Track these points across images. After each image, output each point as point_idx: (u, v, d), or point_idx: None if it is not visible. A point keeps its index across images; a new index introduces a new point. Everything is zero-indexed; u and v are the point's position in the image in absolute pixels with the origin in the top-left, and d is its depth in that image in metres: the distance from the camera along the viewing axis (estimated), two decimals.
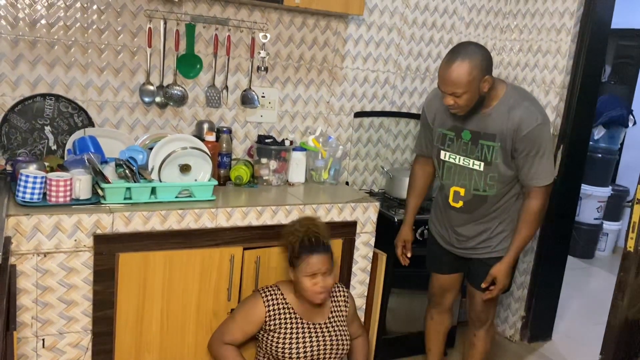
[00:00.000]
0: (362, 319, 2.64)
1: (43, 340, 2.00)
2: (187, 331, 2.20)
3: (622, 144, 5.04)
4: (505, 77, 3.20)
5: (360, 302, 2.62)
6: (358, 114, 2.97)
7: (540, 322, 3.24)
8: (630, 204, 1.99)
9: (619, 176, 5.21)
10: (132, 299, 2.08)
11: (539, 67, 3.02)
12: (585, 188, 4.81)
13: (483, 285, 2.18)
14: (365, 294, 2.63)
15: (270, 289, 2.15)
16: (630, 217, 1.93)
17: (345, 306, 2.25)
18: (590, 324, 3.47)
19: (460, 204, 2.19)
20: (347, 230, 2.47)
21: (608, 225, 4.98)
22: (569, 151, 3.00)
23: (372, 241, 2.57)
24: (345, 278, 2.53)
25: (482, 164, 2.10)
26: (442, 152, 2.21)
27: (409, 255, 2.42)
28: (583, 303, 3.86)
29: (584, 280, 4.40)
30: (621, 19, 4.17)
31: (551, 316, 3.32)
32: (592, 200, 4.83)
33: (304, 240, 2.08)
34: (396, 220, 2.67)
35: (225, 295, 2.24)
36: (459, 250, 2.28)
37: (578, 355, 3.10)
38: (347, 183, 3.00)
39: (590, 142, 4.78)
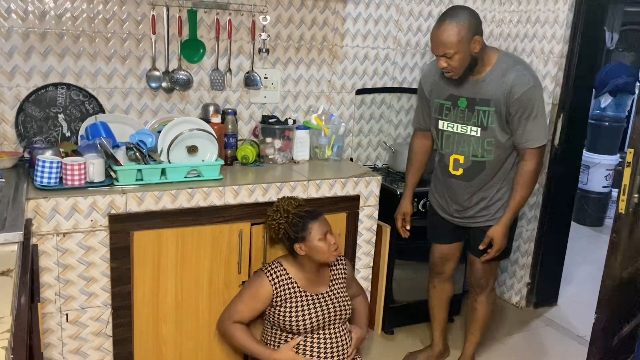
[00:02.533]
0: (369, 289, 2.75)
1: (67, 314, 2.14)
2: (200, 303, 2.33)
3: (630, 112, 5.03)
4: (505, 48, 3.24)
5: (367, 273, 2.73)
6: (360, 91, 3.04)
7: (545, 288, 3.32)
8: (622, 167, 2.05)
9: (627, 144, 5.21)
10: (148, 274, 2.21)
11: (538, 37, 3.05)
12: (593, 156, 4.84)
13: (481, 247, 2.26)
14: (371, 264, 2.73)
15: (273, 265, 2.24)
16: (615, 180, 2.00)
17: (344, 272, 2.35)
18: (596, 290, 3.52)
19: (460, 171, 2.27)
20: (350, 204, 2.56)
21: (617, 193, 4.99)
22: (570, 119, 3.05)
23: (376, 214, 2.66)
24: (350, 250, 2.63)
25: (479, 129, 2.18)
26: (440, 122, 2.29)
27: (407, 227, 2.51)
28: (591, 270, 3.91)
29: (593, 247, 4.45)
30: None
31: (556, 282, 3.39)
32: (600, 169, 4.84)
33: (299, 213, 2.17)
34: (399, 193, 2.75)
35: (235, 268, 2.35)
36: (458, 219, 2.36)
37: (583, 319, 3.17)
38: (351, 159, 3.09)
39: (597, 111, 4.82)
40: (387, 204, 2.72)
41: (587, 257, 4.15)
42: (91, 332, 2.19)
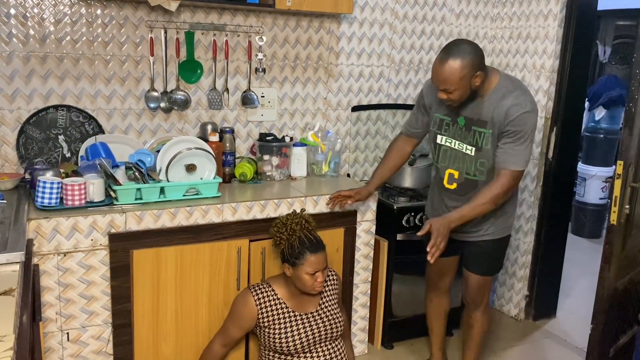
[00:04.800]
0: (368, 304, 2.77)
1: (67, 333, 2.16)
2: (200, 320, 2.35)
3: None
4: (497, 64, 3.29)
5: (365, 288, 2.75)
6: (355, 108, 3.09)
7: (544, 300, 3.33)
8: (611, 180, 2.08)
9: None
10: (147, 292, 2.23)
11: (529, 53, 3.11)
12: (589, 169, 4.88)
13: (419, 234, 2.14)
14: (369, 279, 2.75)
15: (261, 286, 2.25)
16: (612, 192, 2.03)
17: (336, 287, 2.36)
18: None
19: (454, 185, 2.30)
20: (347, 219, 2.59)
21: None
22: (563, 133, 3.09)
23: (373, 229, 2.69)
24: (348, 265, 2.65)
25: (474, 149, 2.20)
26: (439, 137, 2.31)
27: (348, 202, 2.43)
28: (589, 281, 3.92)
29: (591, 259, 4.45)
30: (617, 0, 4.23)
31: (555, 294, 3.41)
32: (596, 181, 4.88)
33: (303, 239, 2.16)
34: (395, 207, 2.78)
35: (234, 285, 2.37)
36: (453, 233, 2.38)
37: (582, 330, 3.18)
38: (348, 175, 3.12)
39: (592, 123, 4.87)
40: (384, 218, 2.75)
41: (585, 268, 4.16)
42: (92, 351, 2.21)
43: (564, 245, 3.36)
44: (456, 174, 2.28)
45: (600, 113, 4.82)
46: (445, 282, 2.55)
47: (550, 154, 3.09)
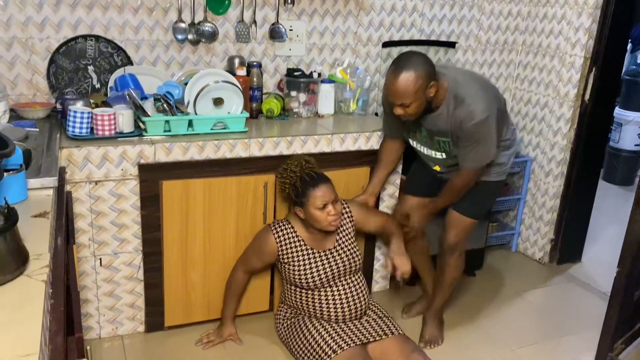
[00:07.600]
0: None
1: (100, 259, 2.25)
2: (227, 250, 2.41)
3: None
4: (537, 1, 3.14)
5: None
6: (386, 44, 3.00)
7: (569, 245, 3.31)
8: None
9: None
10: (177, 222, 2.28)
11: None
12: (627, 114, 4.71)
13: (405, 230, 2.43)
14: None
15: (281, 223, 2.28)
16: None
17: (351, 223, 2.37)
18: None
19: (440, 170, 2.40)
20: (374, 158, 2.57)
21: None
22: (602, 74, 2.97)
23: (400, 167, 2.68)
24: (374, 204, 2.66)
25: (443, 153, 2.27)
26: (411, 140, 2.39)
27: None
28: (618, 228, 3.85)
29: (622, 206, 4.36)
30: None
31: (581, 239, 3.38)
32: (632, 126, 4.72)
33: (303, 177, 2.18)
34: None
35: (261, 218, 2.41)
36: (445, 173, 2.40)
37: (606, 276, 3.14)
38: (376, 114, 3.07)
39: (633, 66, 4.66)
40: (410, 158, 2.72)
41: (615, 216, 4.09)
42: (123, 276, 2.30)
43: (594, 190, 3.30)
44: (438, 168, 2.38)
45: None
46: None
47: (587, 96, 2.99)
